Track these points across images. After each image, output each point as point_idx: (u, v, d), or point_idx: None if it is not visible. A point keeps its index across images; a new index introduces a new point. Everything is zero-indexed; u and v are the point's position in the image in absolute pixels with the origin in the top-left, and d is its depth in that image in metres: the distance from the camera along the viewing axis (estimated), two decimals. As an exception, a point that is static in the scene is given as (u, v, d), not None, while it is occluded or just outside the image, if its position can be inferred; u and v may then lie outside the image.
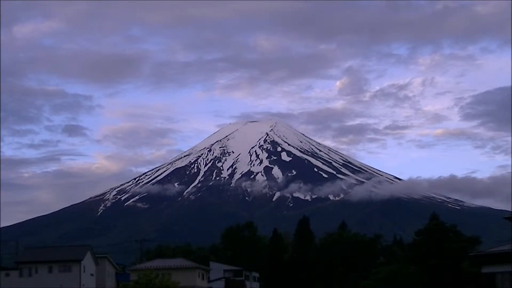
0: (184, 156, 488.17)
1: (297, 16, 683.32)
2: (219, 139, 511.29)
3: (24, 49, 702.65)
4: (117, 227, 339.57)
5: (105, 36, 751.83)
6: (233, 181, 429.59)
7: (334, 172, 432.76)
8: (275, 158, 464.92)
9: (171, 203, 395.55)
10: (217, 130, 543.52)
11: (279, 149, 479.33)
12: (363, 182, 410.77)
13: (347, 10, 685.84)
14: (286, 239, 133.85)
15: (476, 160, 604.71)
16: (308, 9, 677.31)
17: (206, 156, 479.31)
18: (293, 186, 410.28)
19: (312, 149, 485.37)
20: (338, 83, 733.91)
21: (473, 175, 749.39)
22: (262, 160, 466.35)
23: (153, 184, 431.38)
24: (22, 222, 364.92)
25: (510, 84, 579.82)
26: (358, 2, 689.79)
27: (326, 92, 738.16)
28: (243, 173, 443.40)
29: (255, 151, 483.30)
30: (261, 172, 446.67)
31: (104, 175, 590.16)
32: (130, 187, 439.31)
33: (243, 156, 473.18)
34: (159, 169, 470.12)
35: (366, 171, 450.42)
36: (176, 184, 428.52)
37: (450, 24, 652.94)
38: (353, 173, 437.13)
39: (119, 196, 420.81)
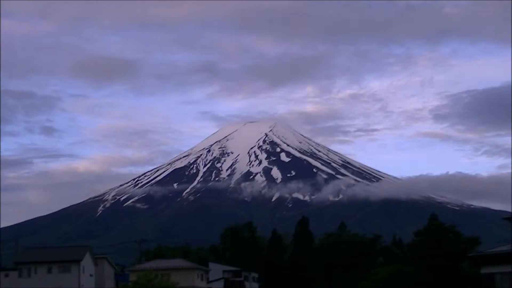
0: (183, 156, 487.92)
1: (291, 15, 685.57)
2: (218, 139, 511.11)
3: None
4: (116, 228, 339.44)
5: (103, 37, 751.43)
6: (232, 182, 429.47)
7: (333, 173, 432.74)
8: (274, 158, 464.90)
9: (170, 203, 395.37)
10: (216, 130, 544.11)
11: (278, 149, 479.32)
12: (362, 182, 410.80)
13: (354, 11, 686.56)
14: (285, 239, 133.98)
15: (476, 160, 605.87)
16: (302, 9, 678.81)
17: (205, 157, 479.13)
18: (292, 186, 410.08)
19: (311, 149, 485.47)
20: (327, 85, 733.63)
21: (473, 175, 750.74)
22: (261, 160, 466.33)
23: (152, 184, 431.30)
24: (22, 222, 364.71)
25: (510, 83, 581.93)
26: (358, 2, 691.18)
27: (321, 93, 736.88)
28: (242, 173, 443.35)
29: (254, 151, 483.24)
30: (260, 172, 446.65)
31: (102, 175, 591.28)
32: (129, 187, 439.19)
33: (242, 157, 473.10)
34: (158, 170, 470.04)
35: (365, 171, 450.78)
36: (175, 185, 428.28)
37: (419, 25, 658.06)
38: (352, 173, 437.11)
39: (118, 197, 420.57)
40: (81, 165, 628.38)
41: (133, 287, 78.92)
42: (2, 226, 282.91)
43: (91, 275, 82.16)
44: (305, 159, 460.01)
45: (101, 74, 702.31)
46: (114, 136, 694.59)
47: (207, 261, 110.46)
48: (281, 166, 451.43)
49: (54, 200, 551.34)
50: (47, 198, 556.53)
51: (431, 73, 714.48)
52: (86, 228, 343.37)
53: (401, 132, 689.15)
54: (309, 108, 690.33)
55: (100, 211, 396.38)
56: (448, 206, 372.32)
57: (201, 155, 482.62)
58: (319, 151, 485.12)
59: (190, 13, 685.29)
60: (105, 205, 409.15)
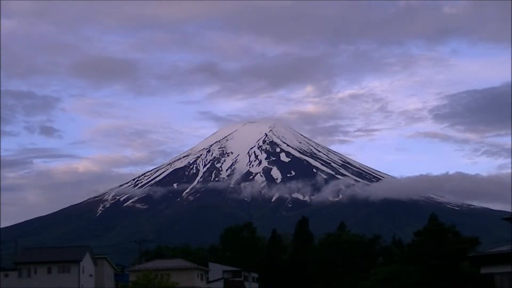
0: (183, 156, 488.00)
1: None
2: (218, 139, 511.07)
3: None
4: (116, 228, 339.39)
5: (103, 37, 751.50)
6: (232, 182, 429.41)
7: (333, 173, 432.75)
8: (274, 158, 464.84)
9: (170, 203, 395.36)
10: (216, 130, 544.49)
11: (278, 149, 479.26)
12: (362, 182, 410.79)
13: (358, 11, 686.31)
14: (285, 239, 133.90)
15: (476, 160, 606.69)
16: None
17: (205, 157, 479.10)
18: (292, 186, 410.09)
19: (311, 149, 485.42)
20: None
21: (473, 175, 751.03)
22: (261, 160, 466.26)
23: (152, 184, 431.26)
24: (22, 222, 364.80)
25: (510, 83, 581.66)
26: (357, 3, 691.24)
27: (320, 93, 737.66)
28: (242, 173, 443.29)
29: (254, 151, 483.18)
30: (260, 172, 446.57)
31: (102, 175, 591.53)
32: (129, 187, 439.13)
33: (242, 157, 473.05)
34: (158, 170, 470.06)
35: (365, 171, 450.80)
36: (175, 185, 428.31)
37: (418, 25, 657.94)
38: (352, 173, 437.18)
39: (118, 197, 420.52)
40: (81, 165, 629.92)
41: (133, 287, 78.93)
42: (2, 226, 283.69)
43: (90, 275, 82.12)
44: (305, 159, 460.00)
45: (101, 74, 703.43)
46: (114, 136, 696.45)
47: (207, 261, 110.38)
48: (281, 166, 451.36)
49: (54, 200, 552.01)
50: (47, 198, 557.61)
51: (431, 73, 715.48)
52: (86, 228, 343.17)
53: (401, 132, 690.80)
54: (309, 108, 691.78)
55: (100, 211, 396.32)
56: (448, 206, 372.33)
57: (201, 155, 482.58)
58: (319, 151, 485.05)
59: (190, 13, 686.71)
60: (105, 205, 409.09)
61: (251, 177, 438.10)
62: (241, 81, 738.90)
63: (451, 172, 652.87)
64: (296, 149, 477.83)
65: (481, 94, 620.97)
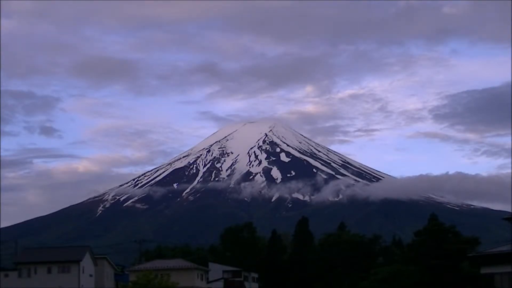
0: (183, 156, 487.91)
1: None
2: (218, 139, 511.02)
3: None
4: (116, 228, 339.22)
5: (103, 37, 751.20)
6: (232, 182, 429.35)
7: (333, 173, 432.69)
8: (274, 158, 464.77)
9: (170, 203, 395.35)
10: (216, 130, 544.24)
11: (278, 149, 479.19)
12: (362, 182, 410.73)
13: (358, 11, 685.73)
14: (285, 239, 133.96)
15: (476, 160, 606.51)
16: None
17: (205, 157, 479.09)
18: (292, 186, 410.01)
19: (311, 149, 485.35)
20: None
21: (473, 175, 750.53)
22: (261, 160, 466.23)
23: (152, 184, 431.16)
24: (22, 222, 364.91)
25: (510, 83, 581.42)
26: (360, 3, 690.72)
27: (320, 93, 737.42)
28: (242, 173, 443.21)
29: (254, 151, 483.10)
30: (260, 172, 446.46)
31: (102, 175, 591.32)
32: (129, 187, 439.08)
33: (242, 157, 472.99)
34: (158, 170, 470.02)
35: (365, 171, 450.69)
36: (175, 185, 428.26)
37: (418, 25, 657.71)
38: (352, 173, 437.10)
39: (118, 197, 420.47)
40: (81, 165, 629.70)
41: (133, 287, 78.97)
42: (2, 226, 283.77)
43: (90, 275, 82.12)
44: (305, 159, 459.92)
45: (101, 74, 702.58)
46: (114, 136, 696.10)
47: (207, 261, 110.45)
48: (281, 166, 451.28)
49: (54, 200, 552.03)
50: (47, 198, 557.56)
51: (431, 73, 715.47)
52: (86, 228, 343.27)
53: (401, 132, 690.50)
54: (309, 108, 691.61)
55: (100, 211, 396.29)
56: (448, 206, 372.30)
57: (201, 155, 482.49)
58: (319, 151, 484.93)
59: (190, 13, 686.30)
60: (105, 205, 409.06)
61: (251, 177, 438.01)
62: (241, 81, 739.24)
63: (451, 172, 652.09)
64: (296, 149, 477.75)
65: (481, 94, 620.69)
